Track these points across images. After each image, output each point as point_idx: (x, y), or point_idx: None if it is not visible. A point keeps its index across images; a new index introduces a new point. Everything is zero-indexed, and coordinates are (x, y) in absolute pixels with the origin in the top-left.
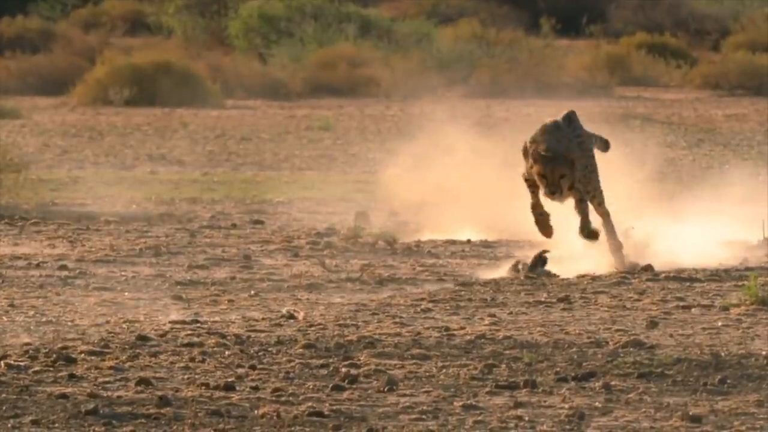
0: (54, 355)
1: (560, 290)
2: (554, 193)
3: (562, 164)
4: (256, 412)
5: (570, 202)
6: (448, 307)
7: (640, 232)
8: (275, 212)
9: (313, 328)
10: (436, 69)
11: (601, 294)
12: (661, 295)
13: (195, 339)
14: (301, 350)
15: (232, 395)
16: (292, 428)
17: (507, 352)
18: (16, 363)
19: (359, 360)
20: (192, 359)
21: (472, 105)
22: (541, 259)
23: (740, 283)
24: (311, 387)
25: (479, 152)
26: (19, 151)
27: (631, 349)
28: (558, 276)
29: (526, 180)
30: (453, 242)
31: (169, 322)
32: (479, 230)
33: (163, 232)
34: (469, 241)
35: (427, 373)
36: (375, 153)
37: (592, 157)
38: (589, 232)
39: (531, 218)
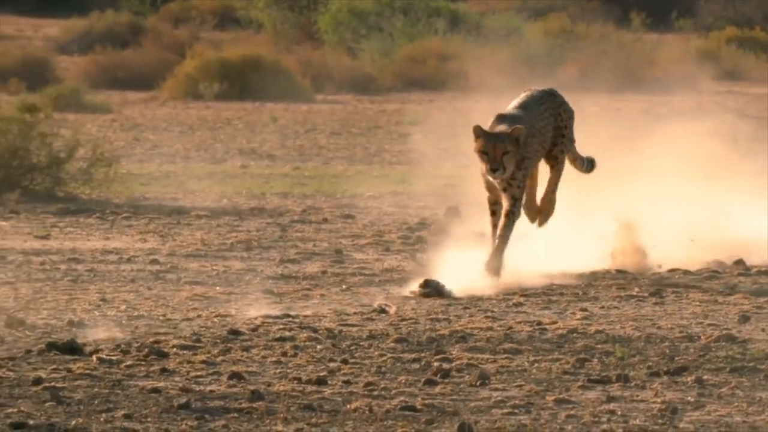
0: (146, 350)
1: (652, 285)
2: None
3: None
4: (348, 406)
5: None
6: (539, 302)
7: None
8: (366, 207)
9: (404, 323)
10: (526, 63)
11: (692, 288)
12: (753, 289)
13: (287, 333)
14: (392, 344)
15: (324, 389)
16: (385, 422)
17: (599, 346)
18: (108, 357)
19: (451, 354)
20: (284, 353)
21: None
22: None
23: None
24: (403, 381)
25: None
26: (110, 146)
27: (723, 343)
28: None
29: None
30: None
31: (261, 317)
32: None
33: (254, 226)
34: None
35: (519, 368)
36: (465, 147)
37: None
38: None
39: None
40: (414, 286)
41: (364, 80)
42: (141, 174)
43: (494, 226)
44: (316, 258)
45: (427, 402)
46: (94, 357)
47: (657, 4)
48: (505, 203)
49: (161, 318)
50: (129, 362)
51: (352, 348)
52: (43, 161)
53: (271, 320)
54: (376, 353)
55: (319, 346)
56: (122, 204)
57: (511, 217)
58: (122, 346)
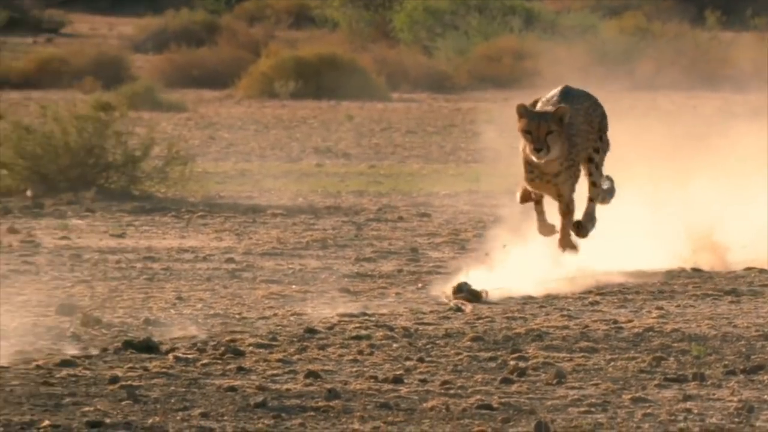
0: (222, 348)
1: (727, 283)
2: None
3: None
4: (424, 404)
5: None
6: (615, 300)
7: None
8: (442, 205)
9: (480, 321)
10: (601, 61)
11: None
12: None
13: (363, 332)
14: (469, 343)
15: (401, 388)
16: (461, 421)
17: (675, 344)
18: (185, 356)
19: (527, 353)
20: (360, 352)
21: (636, 97)
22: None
23: None
24: (480, 380)
25: (646, 145)
26: (185, 144)
27: None
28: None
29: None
30: None
31: (337, 315)
32: None
33: (330, 224)
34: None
35: (596, 366)
36: None
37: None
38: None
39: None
40: (447, 290)
41: (439, 78)
42: (216, 172)
43: (541, 213)
44: (392, 256)
45: (503, 400)
46: (170, 355)
47: (732, 2)
48: (559, 203)
49: (237, 316)
50: (205, 361)
51: (428, 346)
52: (119, 160)
53: (347, 319)
54: (453, 352)
55: (395, 345)
56: (198, 202)
57: (569, 213)
58: (198, 344)
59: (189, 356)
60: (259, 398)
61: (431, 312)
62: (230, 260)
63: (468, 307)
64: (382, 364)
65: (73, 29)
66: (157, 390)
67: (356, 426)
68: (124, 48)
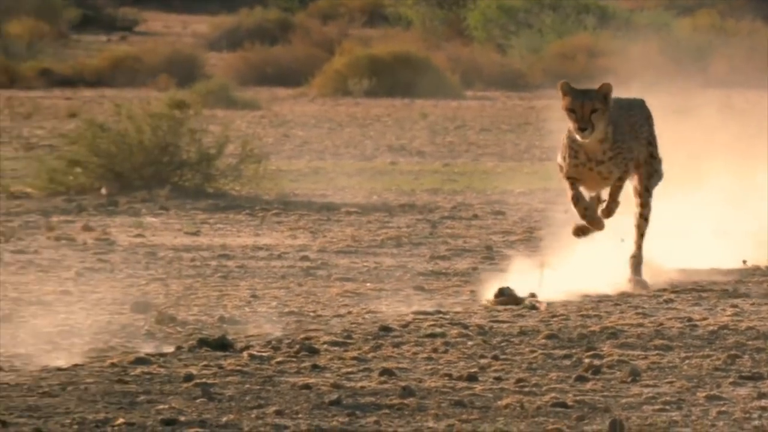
0: (297, 346)
1: None
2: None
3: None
4: (499, 402)
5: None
6: (690, 298)
7: None
8: (516, 203)
9: (555, 319)
10: (674, 60)
11: None
12: None
13: (437, 329)
14: (543, 341)
15: (475, 386)
16: (536, 419)
17: (750, 342)
18: (259, 354)
19: (602, 350)
20: (435, 350)
21: (709, 95)
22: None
23: None
24: (554, 378)
25: (719, 143)
26: (259, 142)
27: None
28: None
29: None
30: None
31: (412, 313)
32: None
33: (404, 222)
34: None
35: (670, 364)
36: None
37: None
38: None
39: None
40: (489, 295)
41: (513, 76)
42: (290, 170)
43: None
44: (467, 254)
45: (578, 398)
46: (245, 353)
47: None
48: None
49: (312, 314)
50: (280, 358)
51: (503, 344)
52: (193, 157)
53: (421, 316)
54: (527, 349)
55: (469, 343)
56: (272, 200)
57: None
58: (273, 342)
59: (264, 354)
60: (334, 396)
61: (506, 310)
62: (305, 258)
63: (543, 305)
64: (457, 361)
65: (147, 27)
66: (231, 388)
67: (430, 424)
68: (198, 46)
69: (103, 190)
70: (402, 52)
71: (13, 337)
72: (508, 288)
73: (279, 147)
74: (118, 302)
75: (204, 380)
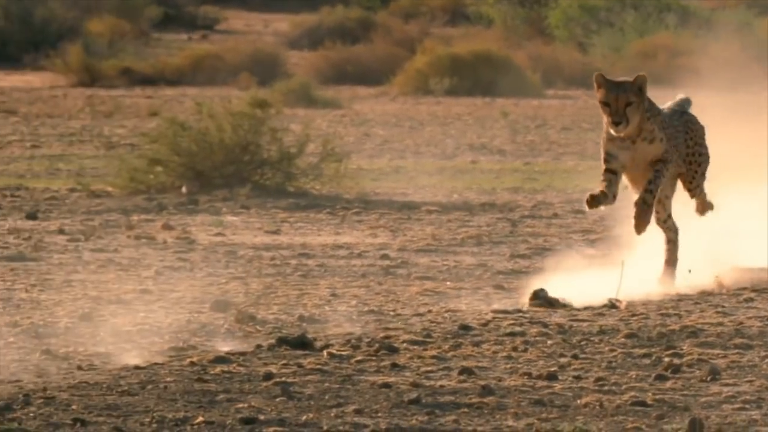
0: (376, 345)
1: None
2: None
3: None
4: (578, 401)
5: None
6: None
7: None
8: None
9: (635, 318)
10: (757, 59)
11: None
12: None
13: (517, 328)
14: (623, 340)
15: (555, 384)
16: (615, 417)
17: None
18: (339, 352)
19: (682, 349)
20: (514, 348)
21: None
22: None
23: None
24: (634, 376)
25: None
26: (340, 141)
27: None
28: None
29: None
30: None
31: (491, 312)
32: None
33: (485, 221)
34: None
35: (750, 363)
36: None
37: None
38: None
39: None
40: (525, 299)
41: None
42: (371, 169)
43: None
44: (547, 253)
45: (657, 397)
46: (324, 352)
47: None
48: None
49: (392, 313)
50: (359, 357)
51: (582, 343)
52: (274, 156)
53: (501, 315)
54: (607, 348)
55: (549, 341)
56: (352, 199)
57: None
58: (353, 341)
59: (343, 353)
60: (413, 395)
61: (585, 309)
62: (385, 257)
63: (623, 304)
64: (537, 360)
65: (227, 26)
66: (311, 386)
67: (510, 422)
68: (279, 45)
69: (184, 189)
70: (483, 51)
71: (92, 336)
72: (543, 290)
73: (360, 146)
74: (198, 301)
75: (283, 379)
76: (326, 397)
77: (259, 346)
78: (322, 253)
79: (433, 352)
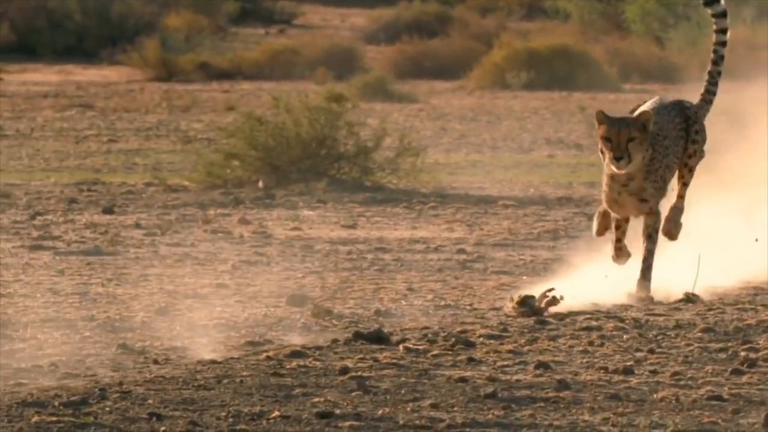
0: (453, 339)
1: None
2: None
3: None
4: (654, 395)
5: None
6: None
7: None
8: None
9: (711, 312)
10: None
11: None
12: None
13: (593, 323)
14: (699, 334)
15: (631, 379)
16: (691, 412)
17: None
18: (415, 347)
19: (758, 344)
20: (591, 343)
21: None
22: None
23: None
24: (710, 371)
25: None
26: (417, 135)
27: None
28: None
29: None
30: None
31: (567, 306)
32: None
33: (561, 215)
34: None
35: None
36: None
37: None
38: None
39: None
40: (509, 304)
41: (670, 69)
42: (448, 163)
43: (619, 240)
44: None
45: (733, 392)
46: (400, 346)
47: None
48: (645, 219)
49: (468, 307)
50: (436, 352)
51: (658, 337)
52: (351, 151)
53: (577, 310)
54: (683, 343)
55: (625, 336)
56: (429, 193)
57: (653, 234)
58: (429, 335)
59: (419, 347)
60: (489, 389)
61: (662, 303)
62: (461, 251)
63: (699, 298)
64: (613, 355)
65: (305, 20)
66: (387, 381)
67: (586, 417)
68: (356, 39)
69: (261, 183)
70: (560, 46)
71: (168, 330)
72: (533, 298)
73: (436, 140)
74: (275, 295)
75: (359, 373)
76: (402, 392)
77: (335, 341)
78: (398, 247)
79: (510, 347)
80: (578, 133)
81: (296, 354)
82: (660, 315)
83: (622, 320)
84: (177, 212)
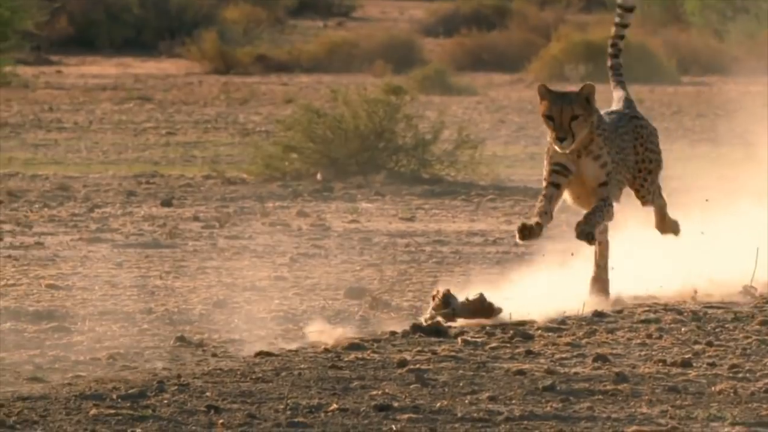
0: (511, 332)
1: None
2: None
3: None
4: (713, 388)
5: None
6: None
7: None
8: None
9: None
10: None
11: None
12: None
13: (651, 315)
14: (757, 326)
15: (689, 371)
16: (749, 405)
17: None
18: (473, 339)
19: None
20: (649, 335)
21: None
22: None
23: None
24: None
25: None
26: (475, 128)
27: None
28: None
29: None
30: None
31: (627, 298)
32: None
33: (618, 207)
34: None
35: None
36: None
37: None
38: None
39: None
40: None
41: (729, 62)
42: (506, 156)
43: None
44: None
45: None
46: (458, 339)
47: None
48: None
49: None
50: (494, 344)
51: (717, 330)
52: (409, 143)
53: (636, 302)
54: (741, 335)
55: (684, 329)
56: (487, 186)
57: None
58: (487, 328)
59: (477, 340)
60: (548, 382)
61: (720, 295)
62: (519, 244)
63: (757, 290)
64: (671, 347)
65: (363, 13)
66: (445, 373)
67: (644, 409)
68: (414, 32)
69: (319, 176)
70: None
71: (227, 323)
72: (455, 298)
73: (495, 132)
74: (333, 288)
75: (418, 366)
76: (460, 384)
77: (393, 333)
78: (456, 240)
79: (568, 339)
80: None
81: (354, 346)
82: (718, 307)
83: (680, 313)
84: (235, 205)
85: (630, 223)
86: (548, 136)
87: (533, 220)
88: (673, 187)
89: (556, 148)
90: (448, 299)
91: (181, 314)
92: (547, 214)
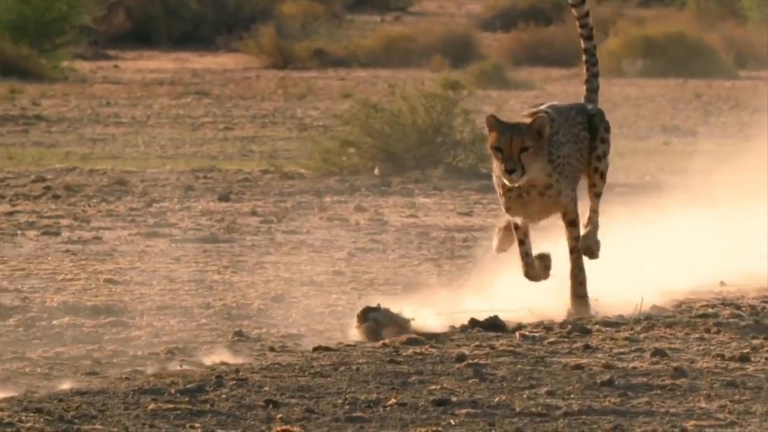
0: (569, 327)
1: None
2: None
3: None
4: None
5: None
6: None
7: None
8: None
9: None
10: None
11: None
12: None
13: (710, 310)
14: None
15: (747, 366)
16: None
17: None
18: (531, 334)
19: None
20: (707, 330)
21: None
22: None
23: None
24: None
25: None
26: None
27: None
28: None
29: None
30: None
31: (684, 293)
32: None
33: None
34: None
35: None
36: None
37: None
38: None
39: None
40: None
41: None
42: None
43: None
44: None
45: None
46: (517, 334)
47: None
48: (567, 231)
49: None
50: (552, 339)
51: None
52: (467, 138)
53: (694, 297)
54: None
55: (742, 323)
56: None
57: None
58: (545, 323)
59: (535, 334)
60: (606, 376)
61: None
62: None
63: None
64: (729, 342)
65: (421, 8)
66: (503, 368)
67: (702, 404)
68: (472, 26)
69: (376, 171)
70: (676, 33)
71: (285, 318)
72: (375, 311)
73: None
74: (390, 282)
75: (476, 360)
76: (518, 379)
77: (451, 328)
78: None
79: (626, 334)
80: (694, 120)
81: (412, 341)
82: None
83: (738, 307)
84: (293, 199)
85: (680, 220)
86: (496, 168)
87: (532, 267)
88: (729, 181)
89: (505, 181)
90: (366, 313)
91: (239, 309)
92: (528, 255)
